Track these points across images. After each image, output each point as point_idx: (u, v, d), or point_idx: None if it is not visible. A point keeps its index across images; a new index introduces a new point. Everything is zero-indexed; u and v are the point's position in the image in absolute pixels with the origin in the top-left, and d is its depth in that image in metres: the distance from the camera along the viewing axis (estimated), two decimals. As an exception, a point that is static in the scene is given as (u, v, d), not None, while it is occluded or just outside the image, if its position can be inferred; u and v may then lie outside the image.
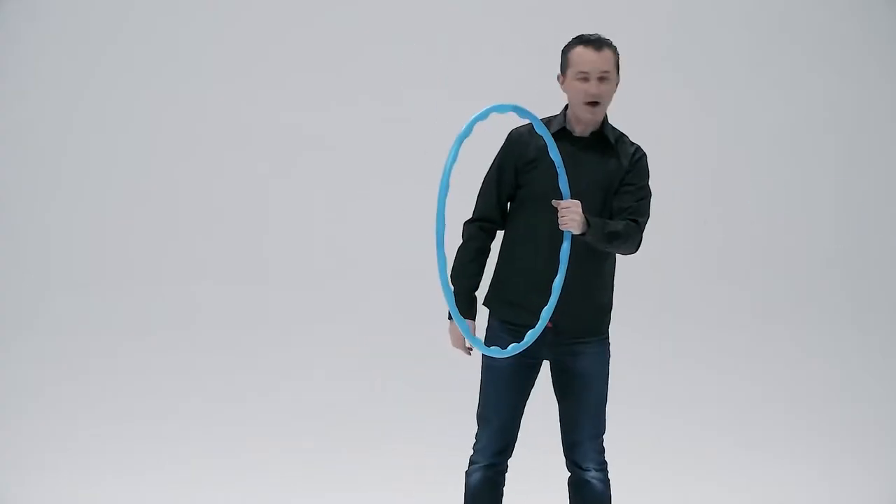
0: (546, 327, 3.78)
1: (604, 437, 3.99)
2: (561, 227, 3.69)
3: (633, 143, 3.94)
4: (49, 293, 6.59)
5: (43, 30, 6.63)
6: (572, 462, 3.97)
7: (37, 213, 6.64)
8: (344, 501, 5.65)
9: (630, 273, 6.65)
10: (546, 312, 3.67)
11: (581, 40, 3.83)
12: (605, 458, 3.99)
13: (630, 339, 6.49)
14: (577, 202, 3.69)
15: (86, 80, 6.66)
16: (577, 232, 3.68)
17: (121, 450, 6.03)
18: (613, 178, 3.86)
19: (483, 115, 3.51)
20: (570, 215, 3.66)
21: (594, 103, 3.79)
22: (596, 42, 3.81)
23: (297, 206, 6.66)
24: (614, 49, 3.84)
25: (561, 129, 3.86)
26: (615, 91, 3.85)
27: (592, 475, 3.93)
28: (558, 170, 3.70)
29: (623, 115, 6.66)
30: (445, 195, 3.41)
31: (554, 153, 3.68)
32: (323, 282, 6.58)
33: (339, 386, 6.36)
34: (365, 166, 6.65)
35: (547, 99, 6.50)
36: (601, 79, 3.78)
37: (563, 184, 3.70)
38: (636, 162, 3.89)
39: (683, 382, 6.45)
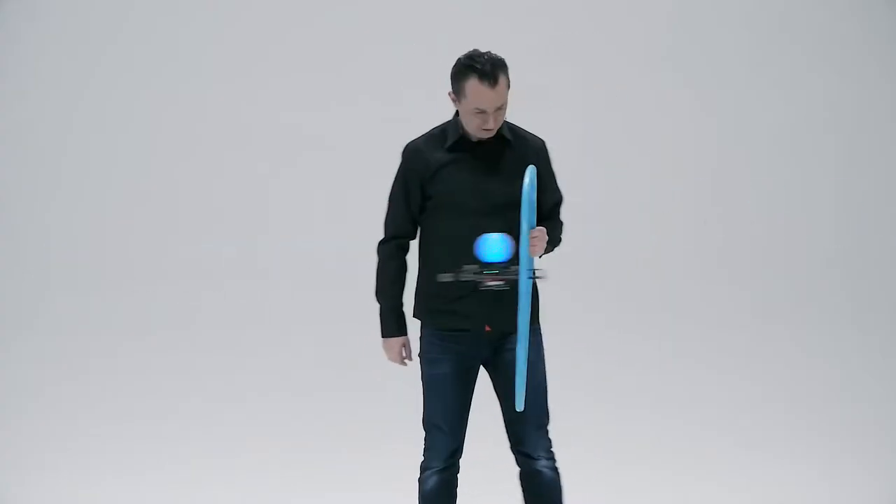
0: (485, 331, 3.90)
1: (548, 428, 4.05)
2: (531, 255, 3.75)
3: (529, 133, 4.01)
4: (49, 293, 6.59)
5: (43, 30, 6.64)
6: (521, 454, 3.99)
7: (37, 213, 6.64)
8: (344, 501, 5.65)
9: (631, 273, 6.67)
10: (521, 352, 3.71)
11: (475, 71, 3.81)
12: (553, 449, 4.04)
13: (630, 339, 6.53)
14: (543, 229, 3.80)
15: (86, 80, 6.66)
16: (540, 255, 3.83)
17: (121, 450, 6.04)
18: (519, 171, 3.84)
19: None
20: (540, 244, 3.78)
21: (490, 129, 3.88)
22: (490, 77, 3.80)
23: (298, 206, 6.66)
24: (507, 72, 3.87)
25: (459, 137, 3.93)
26: None
27: (543, 464, 3.98)
28: (522, 208, 3.67)
29: (625, 115, 6.71)
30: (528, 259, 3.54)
31: (524, 217, 3.68)
32: (323, 281, 6.58)
33: (339, 386, 6.36)
34: (365, 166, 6.65)
35: (546, 98, 6.52)
36: (498, 111, 3.84)
37: (526, 216, 3.76)
38: (539, 150, 3.99)
39: (683, 382, 6.45)
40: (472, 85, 3.81)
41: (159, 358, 6.45)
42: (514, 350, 3.84)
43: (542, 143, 4.02)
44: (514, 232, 3.74)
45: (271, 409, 6.30)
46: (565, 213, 4.10)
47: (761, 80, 6.75)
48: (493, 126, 3.84)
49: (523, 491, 4.04)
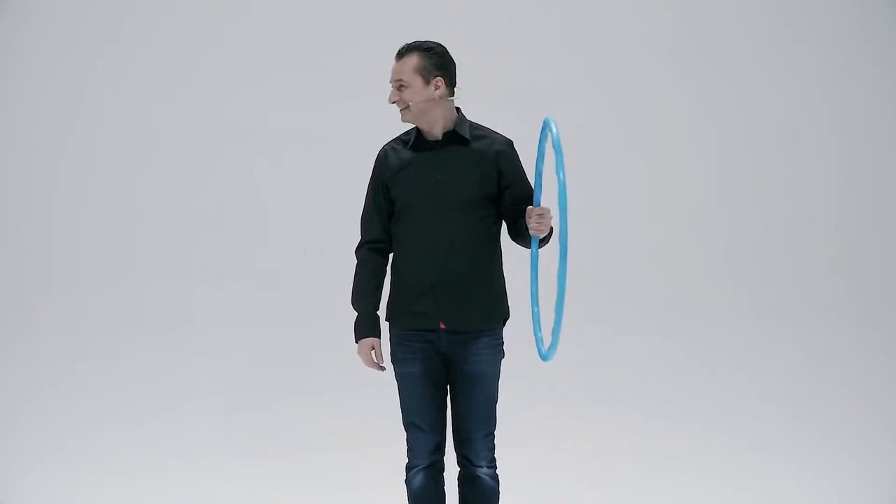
0: (440, 328, 3.96)
1: (494, 434, 4.08)
2: (533, 233, 3.89)
3: (494, 133, 4.07)
4: (48, 294, 6.58)
5: (43, 30, 6.63)
6: (464, 458, 4.05)
7: (35, 213, 6.63)
8: (344, 499, 5.66)
9: (632, 273, 6.67)
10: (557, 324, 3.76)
11: None
12: (495, 456, 4.08)
13: (631, 339, 6.53)
14: (548, 208, 3.88)
15: (83, 80, 6.66)
16: (543, 236, 3.92)
17: (120, 449, 6.04)
18: (480, 169, 3.98)
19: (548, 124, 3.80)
20: (546, 222, 3.87)
21: (401, 109, 4.01)
22: (399, 52, 4.02)
23: (297, 205, 6.66)
24: (425, 53, 3.99)
25: (416, 138, 4.05)
26: (428, 93, 3.98)
27: (483, 471, 4.03)
28: (558, 183, 3.72)
29: (627, 115, 6.70)
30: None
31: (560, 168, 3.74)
32: (320, 281, 6.58)
33: (339, 384, 6.37)
34: (366, 166, 6.65)
35: (546, 96, 6.52)
36: (399, 87, 3.99)
37: (538, 190, 3.93)
38: (502, 149, 4.03)
39: (685, 381, 6.47)
40: None
41: (159, 358, 6.45)
42: (476, 358, 3.97)
43: (508, 142, 4.06)
44: (471, 229, 3.91)
45: (271, 408, 6.31)
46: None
47: (764, 80, 6.75)
48: (393, 99, 4.01)
49: (460, 493, 4.09)
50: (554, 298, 3.73)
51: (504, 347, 4.08)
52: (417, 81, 3.96)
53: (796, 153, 6.77)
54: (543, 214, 3.87)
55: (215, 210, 6.64)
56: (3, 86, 6.63)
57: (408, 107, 3.98)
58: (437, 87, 3.97)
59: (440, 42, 4.05)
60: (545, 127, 3.85)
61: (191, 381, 6.39)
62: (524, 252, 4.12)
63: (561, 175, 3.63)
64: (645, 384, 6.42)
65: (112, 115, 6.64)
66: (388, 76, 4.09)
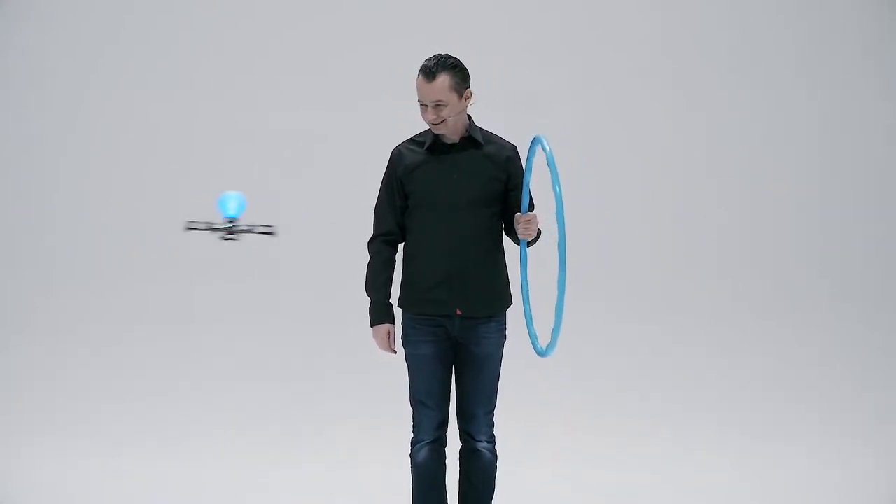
0: (455, 314, 4.23)
1: (494, 412, 4.35)
2: (522, 237, 4.19)
3: (501, 139, 4.35)
4: (48, 293, 6.58)
5: (43, 30, 6.64)
6: (466, 433, 4.34)
7: (37, 211, 6.64)
8: (343, 475, 5.68)
9: (634, 270, 6.68)
10: (555, 332, 4.04)
11: (420, 69, 4.18)
12: (495, 433, 4.36)
13: (634, 336, 6.54)
14: (535, 213, 4.19)
15: (85, 79, 6.67)
16: (531, 238, 4.21)
17: (121, 449, 6.04)
18: (491, 171, 4.26)
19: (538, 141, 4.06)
20: (533, 227, 4.18)
21: (436, 124, 4.21)
22: (428, 72, 4.16)
23: (298, 205, 6.65)
24: (452, 70, 4.16)
25: (433, 141, 4.27)
26: (462, 105, 4.20)
27: (484, 445, 4.32)
28: (555, 196, 3.95)
29: (627, 114, 6.71)
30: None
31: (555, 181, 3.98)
32: (321, 280, 6.58)
33: (340, 377, 6.38)
34: (366, 166, 6.65)
35: (546, 97, 6.53)
36: (437, 106, 4.16)
37: (526, 198, 4.21)
38: (510, 153, 4.30)
39: (685, 380, 6.48)
40: (417, 81, 4.18)
41: (157, 358, 6.46)
42: (485, 341, 4.26)
43: (515, 147, 4.33)
44: (480, 225, 4.20)
45: (271, 408, 6.32)
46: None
47: (764, 80, 6.76)
48: (430, 118, 4.17)
49: (461, 465, 4.36)
50: (545, 297, 3.97)
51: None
52: (454, 98, 4.17)
53: (796, 153, 6.78)
54: (531, 220, 4.17)
55: (215, 210, 6.63)
56: (3, 86, 6.64)
57: (444, 121, 4.18)
58: (467, 99, 4.22)
59: (446, 51, 4.23)
60: (536, 143, 4.08)
61: (191, 381, 6.39)
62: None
63: (557, 189, 3.92)
64: (641, 374, 6.47)
65: (112, 115, 6.65)
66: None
